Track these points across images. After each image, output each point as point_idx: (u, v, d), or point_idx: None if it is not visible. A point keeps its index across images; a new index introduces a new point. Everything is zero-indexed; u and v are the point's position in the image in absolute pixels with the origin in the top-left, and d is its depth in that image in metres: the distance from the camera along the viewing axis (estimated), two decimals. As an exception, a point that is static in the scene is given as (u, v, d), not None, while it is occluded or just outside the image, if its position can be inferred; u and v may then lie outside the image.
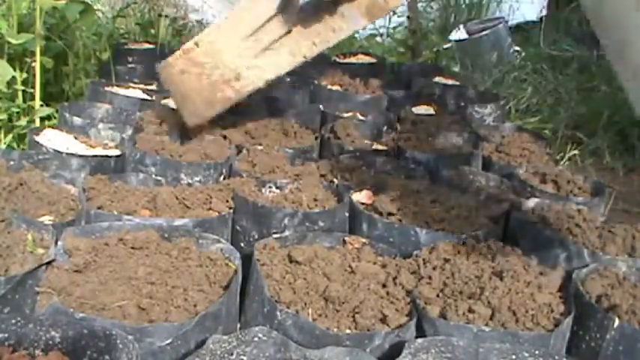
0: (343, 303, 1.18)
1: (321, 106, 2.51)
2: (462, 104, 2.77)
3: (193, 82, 1.89)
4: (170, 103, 2.41)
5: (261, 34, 1.86)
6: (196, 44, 1.90)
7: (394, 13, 4.97)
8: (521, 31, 4.67)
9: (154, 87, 2.64)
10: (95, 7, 2.76)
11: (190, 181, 1.73)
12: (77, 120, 2.01)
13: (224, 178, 1.79)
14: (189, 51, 1.90)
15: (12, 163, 1.62)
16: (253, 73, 1.89)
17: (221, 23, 1.93)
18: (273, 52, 1.88)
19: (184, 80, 1.90)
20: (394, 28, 4.94)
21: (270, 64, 1.89)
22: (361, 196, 1.67)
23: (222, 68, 1.88)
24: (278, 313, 1.11)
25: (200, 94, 1.90)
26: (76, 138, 1.95)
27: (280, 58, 1.89)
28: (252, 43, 1.87)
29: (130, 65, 2.94)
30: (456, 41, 4.19)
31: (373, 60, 3.47)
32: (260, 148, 1.96)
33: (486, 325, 1.13)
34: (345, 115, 2.44)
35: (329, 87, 2.83)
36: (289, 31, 1.86)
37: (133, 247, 1.29)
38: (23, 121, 2.23)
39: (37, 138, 1.83)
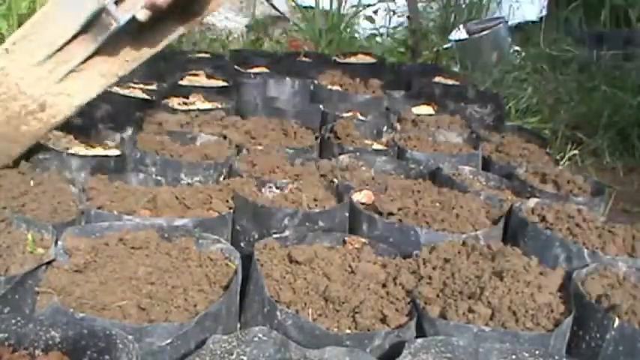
0: (343, 303, 1.18)
1: (321, 106, 2.52)
2: (462, 104, 2.77)
3: None
4: (170, 102, 2.42)
5: (63, 56, 1.58)
6: None
7: (394, 13, 4.98)
8: (521, 31, 4.67)
9: (154, 87, 2.64)
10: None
11: (190, 181, 1.73)
12: (77, 120, 2.01)
13: (224, 178, 1.79)
14: None
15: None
16: (60, 100, 1.61)
17: (8, 45, 1.58)
18: (80, 74, 1.61)
19: None
20: (394, 28, 4.94)
21: (78, 89, 1.62)
22: (361, 196, 1.67)
23: (22, 98, 1.58)
24: (278, 313, 1.11)
25: None
26: (75, 138, 1.95)
27: (89, 81, 1.63)
28: (53, 66, 1.58)
29: (130, 65, 2.94)
30: (456, 41, 4.19)
31: (373, 60, 3.48)
32: (260, 148, 1.96)
33: (486, 325, 1.13)
34: (345, 115, 2.44)
35: (329, 87, 2.83)
36: (97, 51, 1.60)
37: (133, 247, 1.29)
38: (23, 121, 2.22)
39: (37, 138, 1.83)
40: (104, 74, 1.63)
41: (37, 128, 1.61)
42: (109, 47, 1.61)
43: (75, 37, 1.57)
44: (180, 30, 1.66)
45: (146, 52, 1.66)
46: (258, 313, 1.17)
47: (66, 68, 1.59)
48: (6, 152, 1.60)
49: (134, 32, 1.61)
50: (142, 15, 1.52)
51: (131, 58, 1.64)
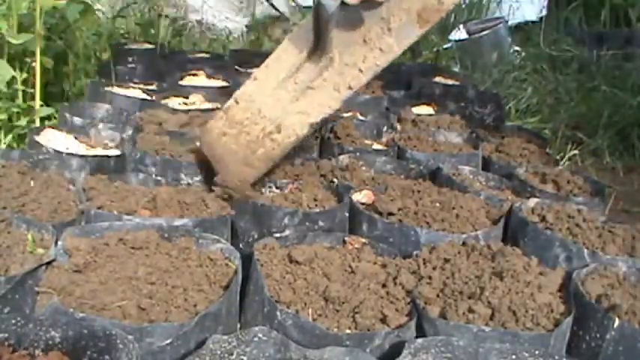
0: (343, 303, 1.18)
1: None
2: (462, 104, 2.77)
3: (231, 143, 1.63)
4: (170, 102, 2.42)
5: (300, 76, 1.61)
6: (236, 101, 1.67)
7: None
8: (521, 31, 4.67)
9: (154, 87, 2.64)
10: (95, 7, 2.76)
11: (190, 182, 1.73)
12: (77, 120, 2.01)
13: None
14: (228, 109, 1.67)
15: (13, 163, 1.62)
16: (295, 120, 1.59)
17: (256, 73, 1.68)
18: (315, 91, 1.59)
19: (223, 144, 1.64)
20: (394, 28, 4.93)
21: (313, 106, 1.59)
22: (361, 196, 1.67)
23: (262, 122, 1.61)
24: (278, 313, 1.11)
25: (237, 155, 1.61)
26: (76, 138, 1.95)
27: (323, 97, 1.59)
28: (292, 87, 1.61)
29: (130, 65, 2.95)
30: (456, 41, 4.19)
31: (373, 60, 3.47)
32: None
33: (486, 325, 1.13)
34: (345, 115, 2.44)
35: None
36: (330, 63, 1.58)
37: (133, 247, 1.29)
38: (23, 121, 2.23)
39: (37, 138, 1.83)
40: (338, 87, 1.59)
41: (272, 149, 1.59)
42: (342, 58, 1.58)
43: (309, 56, 1.61)
44: (416, 31, 1.55)
45: (381, 59, 1.57)
46: (258, 313, 1.17)
47: (302, 87, 1.60)
48: (241, 176, 1.60)
49: (364, 40, 1.56)
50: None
51: (365, 67, 1.57)
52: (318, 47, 1.59)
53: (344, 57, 1.57)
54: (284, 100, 1.61)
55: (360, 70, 1.57)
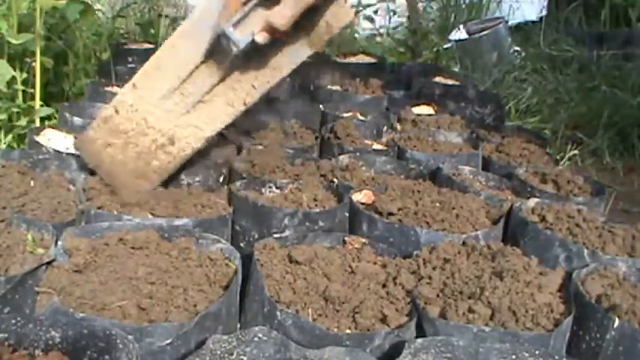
0: (343, 303, 1.18)
1: (321, 106, 2.52)
2: (462, 104, 2.77)
3: (119, 154, 1.58)
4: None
5: (189, 87, 1.57)
6: (116, 110, 1.58)
7: (394, 13, 4.98)
8: (521, 31, 4.67)
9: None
10: (95, 7, 2.76)
11: (190, 182, 1.73)
12: (77, 120, 2.01)
13: (224, 178, 1.79)
14: (107, 119, 1.59)
15: (13, 163, 1.62)
16: (189, 133, 1.59)
17: (135, 81, 1.59)
18: (207, 105, 1.59)
19: (109, 155, 1.58)
20: (394, 28, 4.94)
21: (206, 120, 1.59)
22: (361, 196, 1.67)
23: (151, 133, 1.57)
24: (278, 313, 1.11)
25: (127, 167, 1.57)
26: (76, 138, 1.95)
27: (217, 111, 1.60)
28: (180, 99, 1.57)
29: (130, 65, 2.94)
30: (456, 41, 4.19)
31: (373, 60, 3.47)
32: (260, 148, 1.96)
33: (486, 325, 1.13)
34: (345, 115, 2.44)
35: (329, 87, 2.83)
36: (222, 79, 1.58)
37: (133, 247, 1.29)
38: (23, 121, 2.23)
39: (37, 138, 1.83)
40: (232, 102, 1.60)
41: (167, 162, 1.59)
42: (234, 75, 1.59)
43: (198, 67, 1.56)
44: (307, 51, 1.60)
45: (272, 77, 1.61)
46: (258, 313, 1.17)
47: (192, 100, 1.58)
48: (135, 188, 1.57)
49: (259, 57, 1.58)
50: (261, 38, 1.47)
51: (258, 83, 1.60)
52: (209, 61, 1.57)
53: (236, 74, 1.59)
54: (173, 111, 1.58)
55: (253, 86, 1.60)
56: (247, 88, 1.59)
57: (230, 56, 1.52)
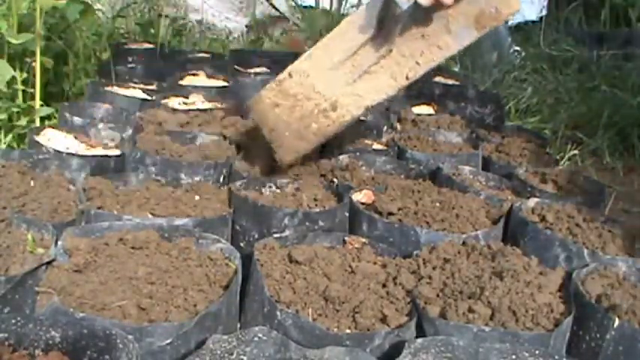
0: (343, 303, 1.18)
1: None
2: (462, 104, 2.77)
3: (285, 115, 1.70)
4: (170, 102, 2.42)
5: (358, 59, 1.69)
6: (289, 74, 1.72)
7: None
8: (521, 31, 4.67)
9: (154, 87, 2.64)
10: (95, 7, 2.76)
11: (190, 181, 1.73)
12: (77, 120, 2.01)
13: (224, 178, 1.79)
14: (281, 82, 1.72)
15: (13, 163, 1.62)
16: (351, 101, 1.69)
17: (312, 51, 1.73)
18: (372, 76, 1.69)
19: (276, 114, 1.71)
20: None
21: (369, 90, 1.69)
22: (361, 196, 1.67)
23: (316, 97, 1.69)
24: (278, 313, 1.11)
25: (290, 127, 1.70)
26: (76, 138, 1.95)
27: (380, 82, 1.69)
28: (349, 69, 1.69)
29: (130, 65, 2.95)
30: (456, 41, 4.18)
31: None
32: (260, 148, 1.96)
33: (486, 325, 1.13)
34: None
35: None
36: (389, 53, 1.67)
37: (133, 247, 1.29)
38: (23, 121, 2.23)
39: (37, 138, 1.83)
40: (395, 76, 1.68)
41: (326, 126, 1.69)
42: (400, 49, 1.67)
43: (368, 40, 1.66)
44: (473, 34, 1.65)
45: (437, 55, 1.67)
46: (258, 313, 1.17)
47: (359, 70, 1.67)
48: (294, 148, 1.71)
49: (425, 34, 1.65)
50: (425, 1, 1.53)
51: (423, 60, 1.66)
52: (379, 35, 1.65)
53: (403, 48, 1.66)
54: (340, 80, 1.68)
55: (417, 63, 1.66)
56: (411, 64, 1.66)
57: (397, 29, 1.60)
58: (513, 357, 1.04)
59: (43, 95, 2.29)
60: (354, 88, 1.68)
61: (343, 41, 1.69)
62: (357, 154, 2.02)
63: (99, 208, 1.45)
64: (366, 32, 1.67)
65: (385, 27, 1.65)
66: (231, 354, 0.97)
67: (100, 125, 2.01)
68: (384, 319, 1.15)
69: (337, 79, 1.69)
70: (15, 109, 2.23)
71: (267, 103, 1.72)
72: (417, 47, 1.66)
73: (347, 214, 1.59)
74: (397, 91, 1.70)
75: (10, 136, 2.20)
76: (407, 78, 1.67)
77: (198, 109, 2.31)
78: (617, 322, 1.13)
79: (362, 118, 2.44)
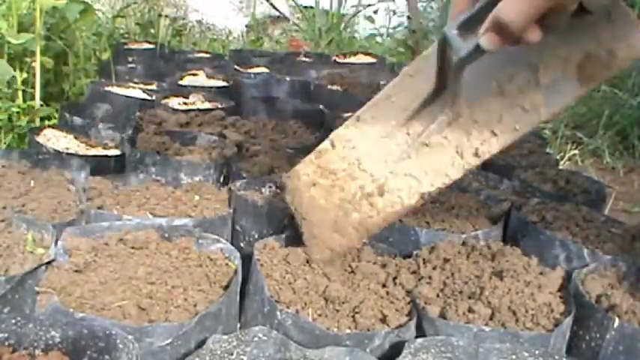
0: (343, 303, 1.18)
1: (321, 106, 2.52)
2: (462, 104, 2.76)
3: (321, 198, 1.28)
4: (170, 102, 2.42)
5: (415, 125, 1.20)
6: (332, 144, 1.28)
7: (394, 13, 4.98)
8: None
9: (154, 87, 2.64)
10: (95, 7, 2.76)
11: (190, 181, 1.73)
12: (77, 120, 2.01)
13: (224, 178, 1.79)
14: (321, 154, 1.29)
15: (13, 163, 1.62)
16: (403, 184, 1.21)
17: (360, 113, 1.26)
18: (432, 150, 1.19)
19: (311, 197, 1.29)
20: (394, 28, 4.94)
21: (428, 169, 1.19)
22: (361, 196, 1.67)
23: (361, 177, 1.24)
24: (278, 313, 1.11)
25: (327, 215, 1.27)
26: (76, 138, 1.95)
27: (441, 160, 1.18)
28: (402, 137, 1.21)
29: (130, 65, 2.95)
30: (456, 41, 4.17)
31: (373, 60, 3.48)
32: (260, 148, 1.96)
33: (486, 325, 1.13)
34: (345, 115, 2.44)
35: (329, 87, 2.83)
36: (455, 118, 1.16)
37: (133, 247, 1.29)
38: (23, 121, 2.23)
39: (37, 138, 1.83)
40: (461, 152, 1.17)
41: (369, 217, 1.24)
42: (469, 114, 1.16)
43: (429, 98, 1.18)
44: (576, 88, 1.08)
45: (523, 121, 1.16)
46: (258, 313, 1.17)
47: (416, 142, 1.20)
48: (328, 244, 1.28)
49: (502, 94, 1.14)
50: (487, 41, 0.94)
51: (501, 129, 1.15)
52: (440, 92, 1.17)
53: (474, 111, 1.15)
54: (391, 153, 1.22)
55: (494, 133, 1.15)
56: (485, 135, 1.15)
57: (463, 84, 1.12)
58: (513, 357, 1.04)
59: (43, 95, 2.29)
60: (408, 165, 1.21)
61: (398, 101, 1.22)
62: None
63: (99, 208, 1.46)
64: (425, 88, 1.18)
65: (447, 81, 1.13)
66: (231, 354, 0.97)
67: (100, 125, 2.01)
68: (384, 319, 1.15)
69: (388, 153, 1.22)
70: (15, 109, 2.23)
71: (304, 181, 1.30)
72: (493, 109, 1.15)
73: (347, 214, 1.59)
74: (463, 173, 1.18)
75: (10, 136, 2.20)
76: (476, 154, 1.16)
77: (198, 109, 2.31)
78: (617, 322, 1.13)
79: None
